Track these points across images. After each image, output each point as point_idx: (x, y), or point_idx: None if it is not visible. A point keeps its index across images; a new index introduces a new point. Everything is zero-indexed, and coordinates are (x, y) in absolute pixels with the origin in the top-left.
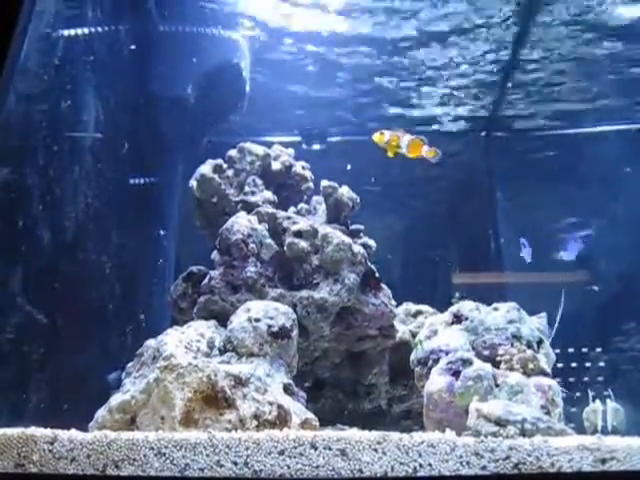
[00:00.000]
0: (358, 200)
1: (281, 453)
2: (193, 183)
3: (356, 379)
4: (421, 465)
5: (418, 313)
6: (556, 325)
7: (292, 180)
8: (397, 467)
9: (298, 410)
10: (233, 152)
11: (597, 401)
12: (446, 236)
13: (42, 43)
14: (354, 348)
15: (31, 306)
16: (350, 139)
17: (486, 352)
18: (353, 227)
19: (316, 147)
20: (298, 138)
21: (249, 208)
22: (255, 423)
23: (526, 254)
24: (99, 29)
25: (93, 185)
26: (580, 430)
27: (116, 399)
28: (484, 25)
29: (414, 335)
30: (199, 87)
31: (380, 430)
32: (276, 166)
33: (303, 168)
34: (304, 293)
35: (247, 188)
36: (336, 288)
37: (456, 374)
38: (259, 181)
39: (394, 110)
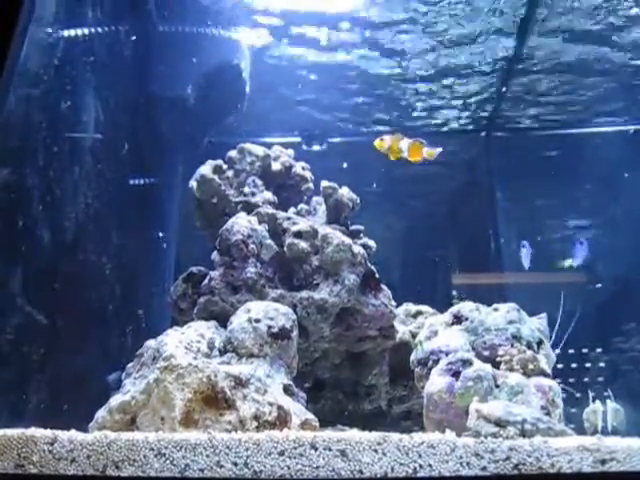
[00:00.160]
0: (358, 201)
1: (281, 454)
2: (193, 184)
3: (356, 380)
4: (421, 466)
5: (418, 314)
6: (556, 327)
7: (292, 181)
8: (397, 468)
9: (298, 411)
10: (233, 153)
11: (597, 402)
12: (446, 236)
13: (42, 43)
14: (354, 349)
15: (31, 307)
16: (350, 140)
17: (486, 353)
18: (353, 228)
19: (316, 148)
20: (298, 139)
21: (249, 209)
22: (255, 424)
23: (526, 258)
24: (99, 29)
25: (93, 186)
26: (580, 431)
27: (116, 400)
28: (484, 25)
29: (414, 336)
30: (199, 87)
31: (380, 431)
32: (276, 167)
33: (303, 169)
34: (304, 294)
35: (247, 189)
36: (336, 289)
37: (456, 375)
38: (259, 182)
39: (394, 110)
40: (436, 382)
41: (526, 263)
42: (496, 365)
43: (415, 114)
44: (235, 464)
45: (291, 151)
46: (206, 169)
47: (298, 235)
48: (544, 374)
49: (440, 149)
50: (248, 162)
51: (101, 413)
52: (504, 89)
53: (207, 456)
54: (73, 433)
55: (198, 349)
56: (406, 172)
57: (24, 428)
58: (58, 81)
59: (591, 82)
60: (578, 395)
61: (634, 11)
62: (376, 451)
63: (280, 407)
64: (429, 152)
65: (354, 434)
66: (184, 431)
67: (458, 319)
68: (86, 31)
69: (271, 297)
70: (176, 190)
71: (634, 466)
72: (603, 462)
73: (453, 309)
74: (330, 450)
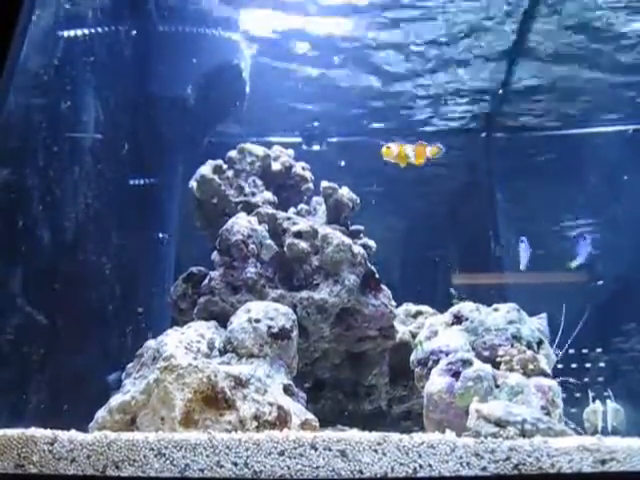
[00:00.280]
0: (358, 201)
1: (281, 454)
2: (193, 184)
3: (356, 380)
4: (421, 466)
5: (418, 314)
6: (561, 328)
7: (292, 181)
8: (397, 468)
9: (298, 411)
10: (233, 153)
11: (597, 402)
12: (446, 237)
13: (42, 43)
14: (354, 349)
15: (31, 307)
16: (350, 140)
17: (486, 353)
18: (353, 228)
19: (316, 148)
20: (298, 139)
21: (249, 209)
22: (255, 424)
23: (525, 254)
24: (99, 29)
25: (93, 186)
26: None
27: (116, 400)
28: (484, 25)
29: (414, 336)
30: (199, 88)
31: (380, 431)
32: (276, 167)
33: (303, 169)
34: (304, 294)
35: (247, 189)
36: (336, 289)
37: (456, 375)
38: (259, 182)
39: (394, 111)
40: (436, 382)
41: (524, 259)
42: (496, 365)
43: (415, 114)
44: (235, 464)
45: (291, 151)
46: (206, 169)
47: (298, 235)
48: (544, 374)
49: (441, 146)
50: (248, 162)
51: (101, 413)
52: (504, 89)
53: (207, 456)
54: (73, 433)
55: (198, 349)
56: (406, 172)
57: (24, 428)
58: (58, 81)
59: (592, 82)
60: (578, 395)
61: None
62: (376, 451)
63: (280, 407)
64: (432, 151)
65: (354, 434)
66: (184, 431)
67: (458, 319)
68: (86, 31)
69: (271, 297)
70: (176, 190)
71: (634, 466)
72: (603, 462)
73: (453, 309)
74: (330, 450)
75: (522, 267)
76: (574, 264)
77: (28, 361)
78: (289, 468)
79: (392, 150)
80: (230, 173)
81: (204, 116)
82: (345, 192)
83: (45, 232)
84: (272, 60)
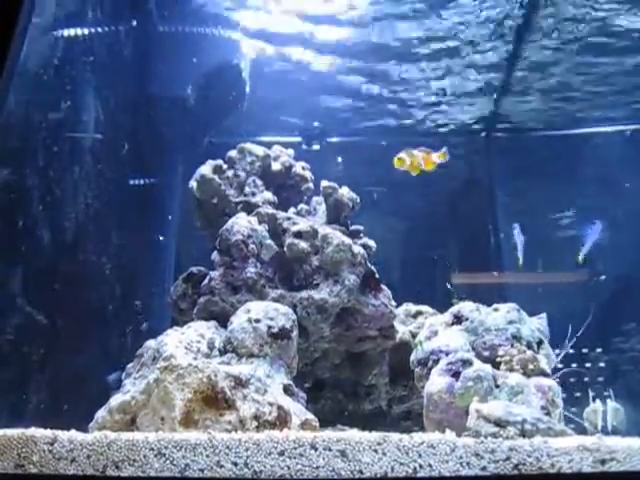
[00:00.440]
0: (358, 200)
1: (281, 454)
2: (193, 184)
3: (356, 380)
4: (421, 466)
5: (418, 314)
6: (568, 329)
7: (292, 181)
8: (397, 468)
9: (298, 411)
10: (233, 153)
11: (597, 401)
12: (446, 237)
13: (42, 43)
14: (354, 349)
15: (31, 307)
16: (350, 140)
17: (486, 353)
18: (353, 228)
19: (316, 147)
20: (298, 139)
21: (249, 209)
22: (255, 424)
23: (519, 239)
24: (99, 29)
25: (93, 186)
26: (580, 431)
27: (116, 400)
28: (484, 25)
29: (414, 336)
30: (199, 88)
31: (380, 431)
32: (276, 167)
33: (303, 169)
34: (304, 294)
35: (247, 189)
36: (336, 289)
37: (456, 375)
38: (259, 182)
39: (394, 111)
40: (436, 382)
41: (520, 248)
42: (496, 365)
43: (416, 114)
44: (235, 464)
45: (291, 151)
46: (206, 169)
47: (298, 235)
48: (544, 374)
49: (446, 151)
50: (248, 162)
51: (101, 413)
52: (504, 89)
53: (207, 456)
54: (73, 433)
55: (198, 349)
56: (406, 172)
57: (24, 428)
58: (58, 81)
59: (592, 83)
60: (578, 394)
61: None
62: (376, 451)
63: (280, 407)
64: (440, 156)
65: (354, 434)
66: (184, 431)
67: (458, 319)
68: (86, 31)
69: (271, 297)
70: (176, 190)
71: (634, 466)
72: (603, 462)
73: (453, 309)
74: (330, 450)
75: (519, 254)
76: (581, 256)
77: (28, 361)
78: (289, 468)
79: (405, 160)
80: (230, 173)
81: (204, 116)
82: (345, 192)
83: (45, 232)
84: (272, 60)
